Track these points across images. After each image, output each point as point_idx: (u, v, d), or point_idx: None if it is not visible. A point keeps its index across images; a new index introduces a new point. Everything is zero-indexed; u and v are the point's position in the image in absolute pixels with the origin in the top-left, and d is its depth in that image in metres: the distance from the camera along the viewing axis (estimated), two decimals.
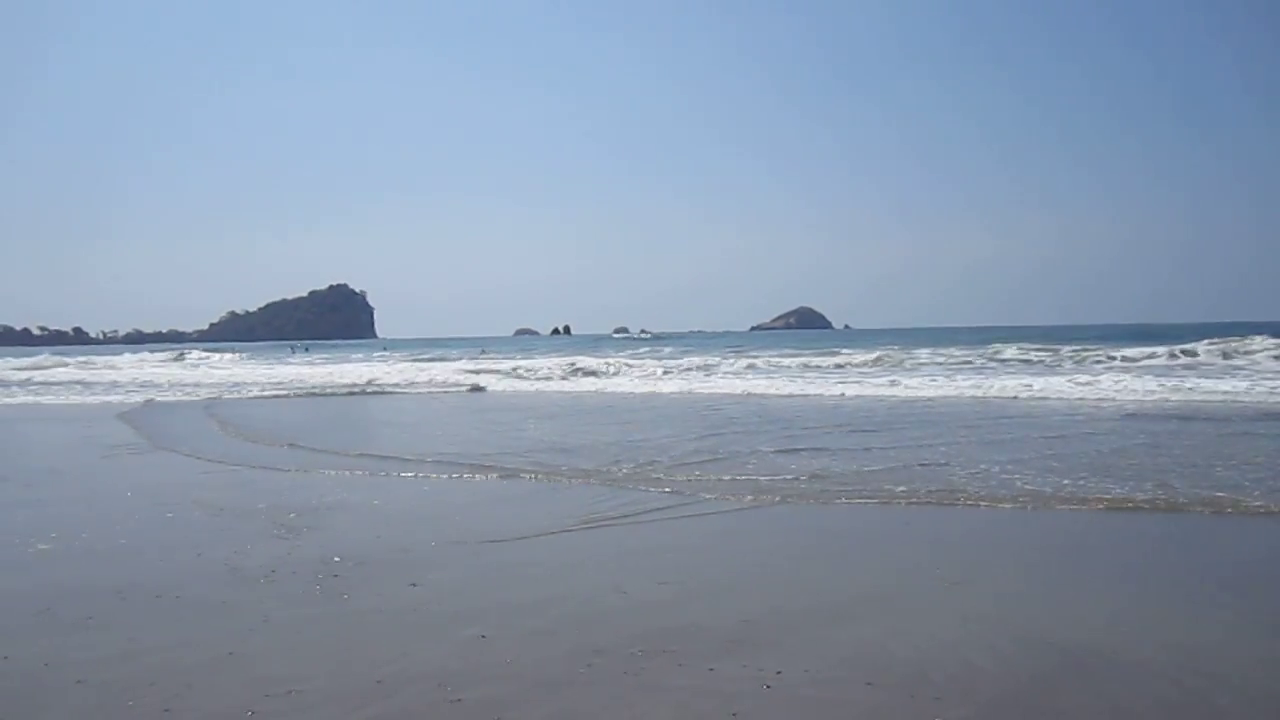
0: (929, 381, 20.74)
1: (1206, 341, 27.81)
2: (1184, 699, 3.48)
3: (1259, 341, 26.84)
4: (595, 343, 70.16)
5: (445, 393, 23.39)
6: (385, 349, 75.53)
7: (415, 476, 8.88)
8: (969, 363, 28.65)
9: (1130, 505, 6.91)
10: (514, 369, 29.17)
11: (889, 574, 5.27)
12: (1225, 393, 16.32)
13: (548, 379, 26.23)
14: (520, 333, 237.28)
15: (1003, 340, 39.41)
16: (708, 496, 7.53)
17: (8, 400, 22.59)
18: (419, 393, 23.49)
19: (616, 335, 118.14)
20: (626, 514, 6.91)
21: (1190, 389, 17.04)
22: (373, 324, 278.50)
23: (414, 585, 5.09)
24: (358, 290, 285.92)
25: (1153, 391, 16.97)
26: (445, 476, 8.87)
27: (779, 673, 3.75)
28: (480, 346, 64.61)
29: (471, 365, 33.90)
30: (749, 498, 7.40)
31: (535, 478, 8.65)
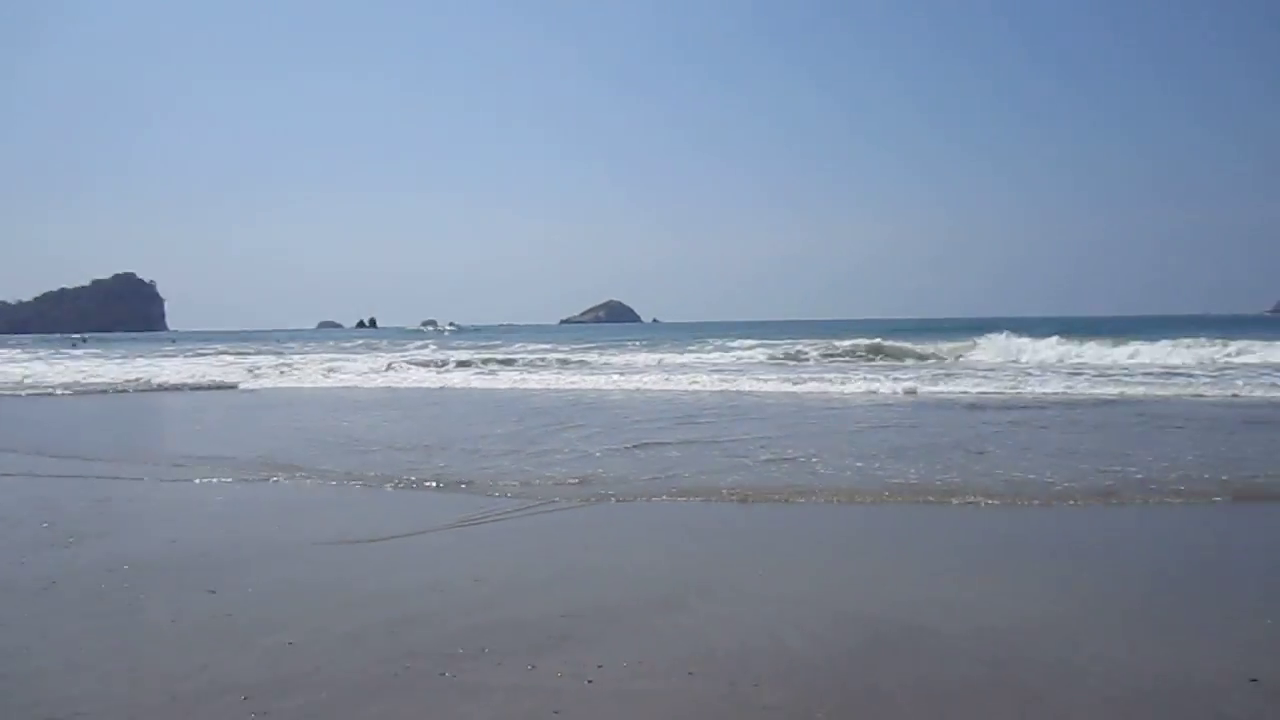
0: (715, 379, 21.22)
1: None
2: (991, 674, 3.64)
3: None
4: (402, 336, 68.45)
5: (229, 390, 22.10)
6: (174, 341, 71.35)
7: (209, 480, 8.36)
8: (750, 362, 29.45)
9: (938, 489, 7.25)
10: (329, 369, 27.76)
11: (709, 564, 5.32)
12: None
13: (368, 374, 25.23)
14: (324, 325, 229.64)
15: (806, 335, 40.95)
16: (524, 494, 7.43)
17: None
18: (201, 390, 21.93)
19: (424, 328, 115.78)
20: (440, 513, 6.74)
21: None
22: (163, 316, 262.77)
23: (213, 593, 4.78)
24: (146, 280, 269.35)
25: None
26: (242, 480, 8.40)
27: (600, 667, 3.72)
28: (276, 339, 61.43)
29: (271, 361, 32.37)
30: (563, 495, 7.35)
31: (339, 480, 8.31)
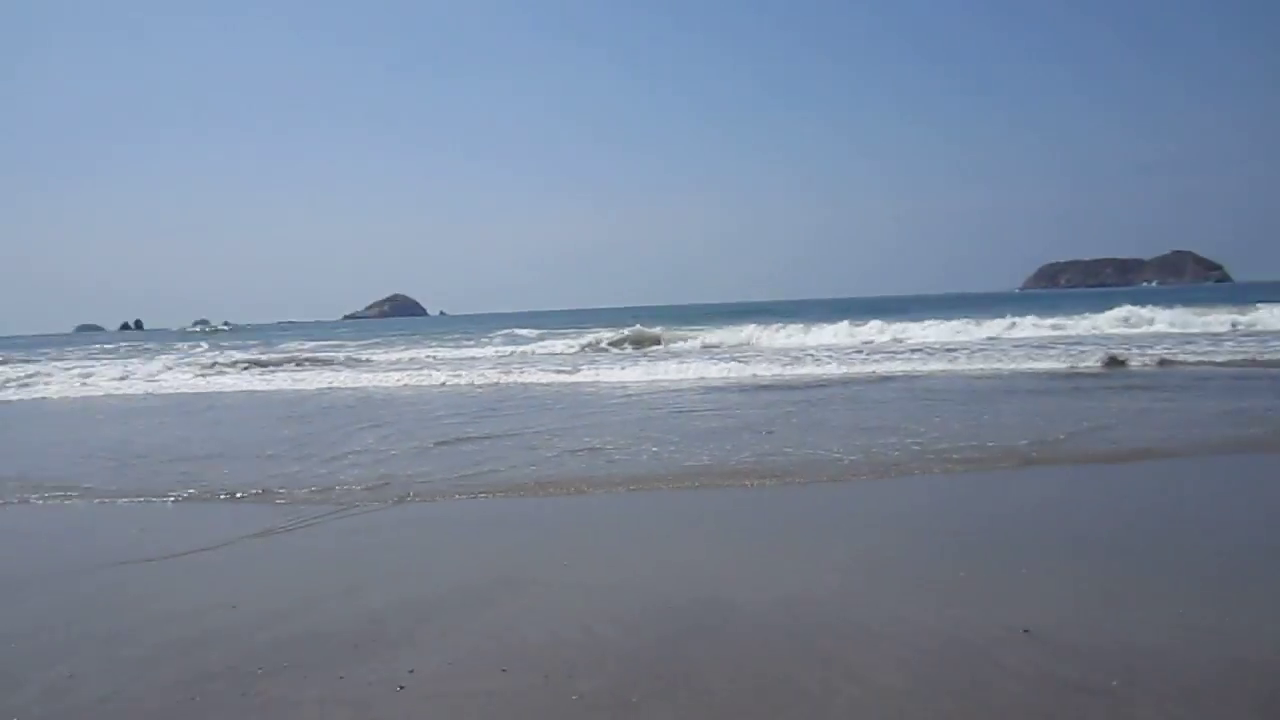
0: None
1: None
2: (796, 643, 3.80)
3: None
4: (171, 338, 64.28)
5: None
6: None
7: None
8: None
9: (733, 470, 7.48)
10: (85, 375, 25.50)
11: (516, 559, 5.28)
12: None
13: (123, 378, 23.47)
14: (83, 329, 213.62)
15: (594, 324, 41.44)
16: (319, 500, 7.18)
17: None
18: None
19: (194, 329, 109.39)
20: (229, 525, 6.43)
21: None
22: None
23: None
24: None
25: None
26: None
27: (412, 671, 3.65)
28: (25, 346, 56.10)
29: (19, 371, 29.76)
30: (361, 498, 7.16)
31: (110, 497, 7.74)
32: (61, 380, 22.59)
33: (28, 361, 31.42)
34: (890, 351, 20.87)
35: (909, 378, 15.10)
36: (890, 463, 7.52)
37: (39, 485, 8.10)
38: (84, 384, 21.75)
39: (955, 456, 7.63)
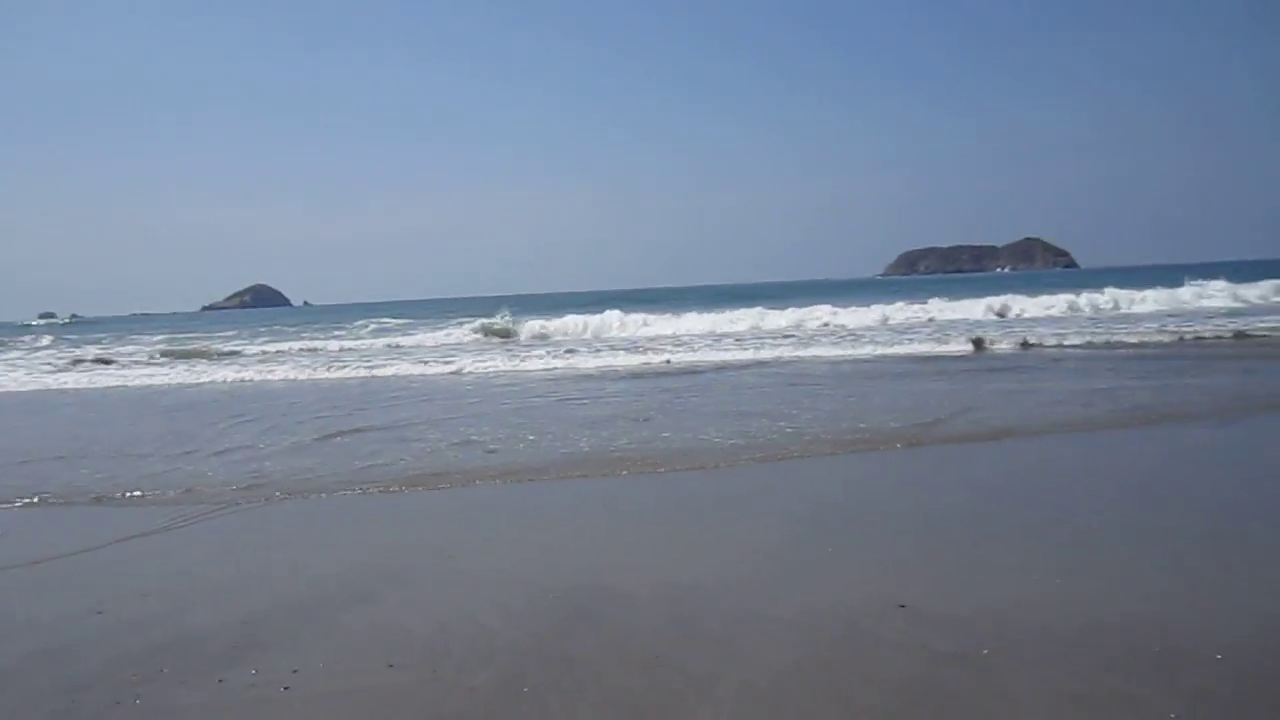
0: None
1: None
2: (684, 629, 3.87)
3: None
4: (7, 332, 60.45)
5: None
6: None
7: None
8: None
9: (614, 458, 7.54)
10: None
11: (397, 553, 5.22)
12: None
13: None
14: None
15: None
16: (188, 499, 6.95)
17: None
18: None
19: (40, 322, 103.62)
20: (94, 528, 6.19)
21: None
22: None
23: None
24: None
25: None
26: None
27: (296, 672, 3.59)
28: None
29: None
30: (232, 497, 6.96)
31: None
32: None
33: None
34: (761, 338, 21.31)
35: (780, 364, 15.45)
36: (766, 446, 7.69)
37: None
38: None
39: (828, 439, 7.87)
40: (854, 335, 20.61)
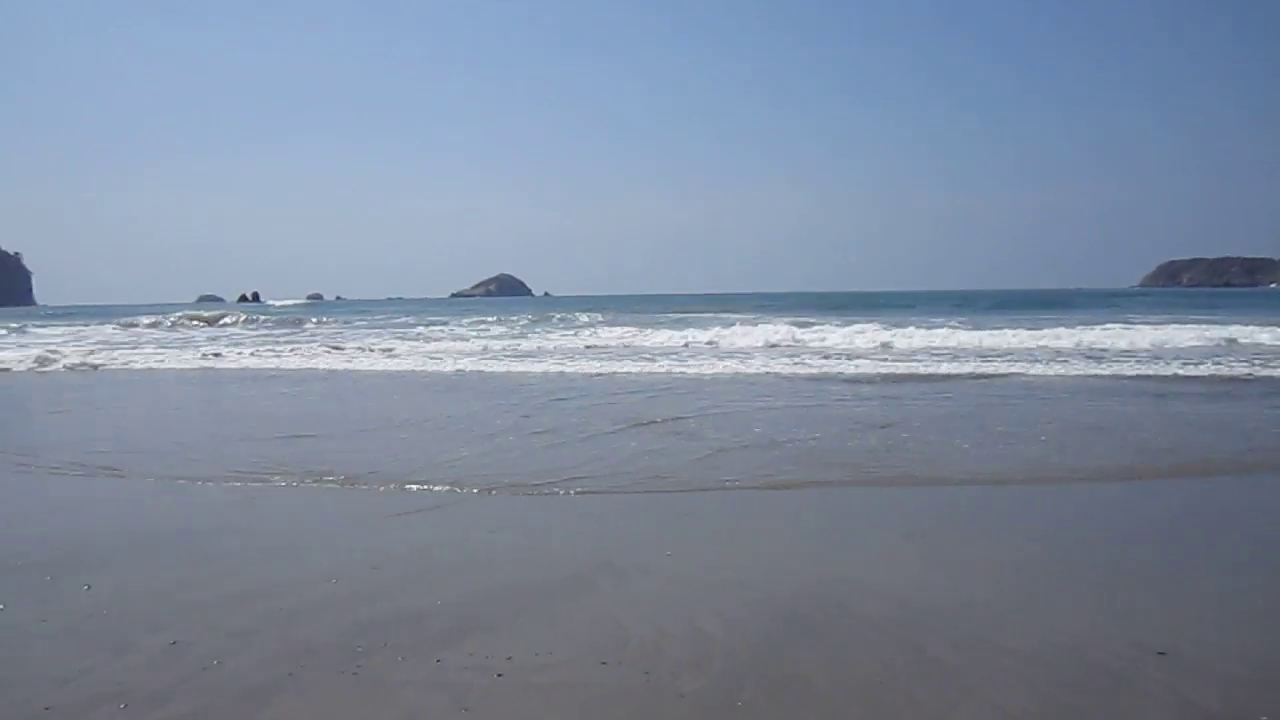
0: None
1: None
2: (910, 655, 3.58)
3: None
4: (299, 312, 65.74)
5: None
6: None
7: (77, 472, 7.87)
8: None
9: (848, 467, 7.25)
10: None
11: (619, 546, 5.15)
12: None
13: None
14: (204, 299, 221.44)
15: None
16: (427, 476, 7.19)
17: None
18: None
19: (310, 301, 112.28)
20: (332, 497, 6.48)
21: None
22: (30, 290, 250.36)
23: (88, 588, 4.45)
24: (11, 251, 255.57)
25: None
26: (115, 471, 7.93)
27: (509, 659, 3.55)
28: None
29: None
30: (467, 484, 7.13)
31: (222, 465, 7.92)
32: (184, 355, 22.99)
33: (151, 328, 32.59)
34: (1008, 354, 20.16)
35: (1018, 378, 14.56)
36: (1019, 469, 7.18)
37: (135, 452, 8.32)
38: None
39: (1082, 466, 7.27)
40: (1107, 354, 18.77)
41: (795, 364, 16.18)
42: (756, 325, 26.63)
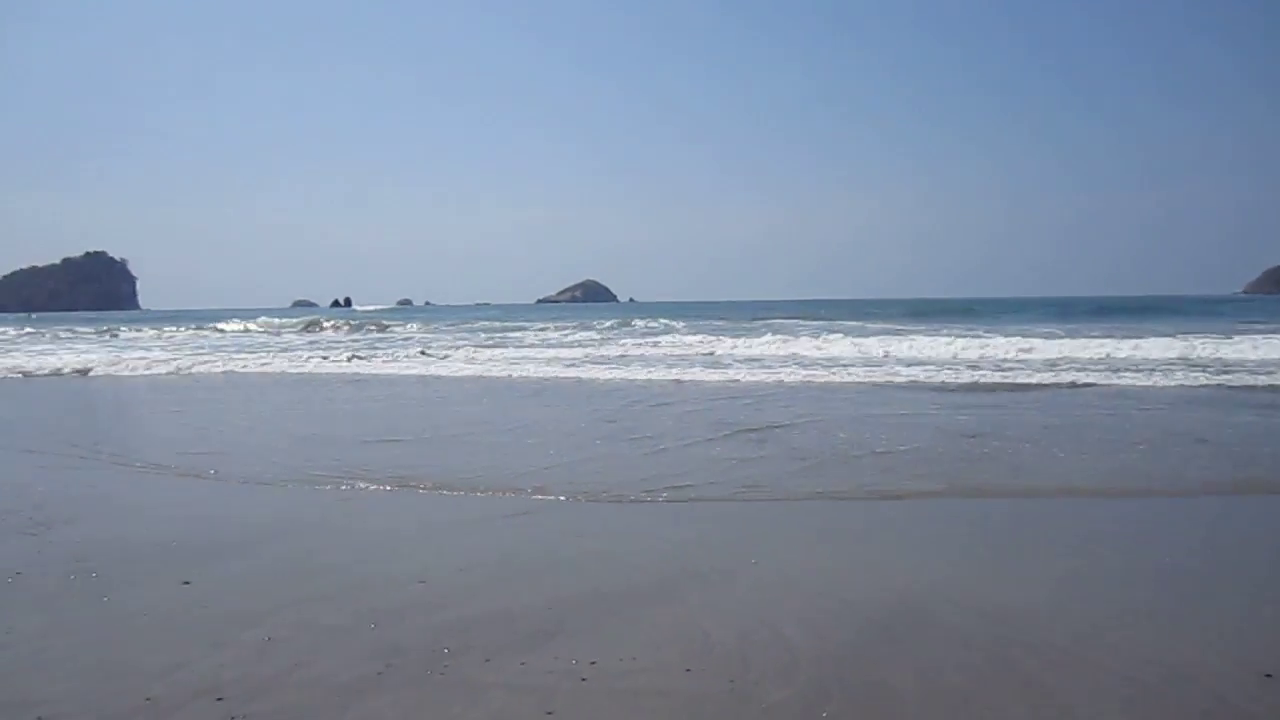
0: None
1: None
2: (997, 665, 3.51)
3: None
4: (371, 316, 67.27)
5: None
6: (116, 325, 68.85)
7: (181, 471, 8.13)
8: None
9: (927, 476, 7.13)
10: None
11: (704, 552, 5.13)
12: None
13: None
14: (297, 305, 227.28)
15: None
16: (512, 481, 7.26)
17: None
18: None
19: (399, 306, 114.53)
20: (421, 501, 6.58)
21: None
22: (135, 295, 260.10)
23: (187, 583, 4.59)
24: (118, 258, 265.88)
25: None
26: (215, 472, 8.17)
27: (594, 663, 3.56)
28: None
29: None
30: (553, 492, 7.17)
31: (315, 468, 8.11)
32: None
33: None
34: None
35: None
36: (1115, 481, 6.98)
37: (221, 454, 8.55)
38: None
39: (1182, 479, 7.03)
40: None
41: (888, 374, 15.86)
42: (845, 336, 26.15)
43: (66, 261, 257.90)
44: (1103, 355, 19.05)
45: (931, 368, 17.03)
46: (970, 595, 4.32)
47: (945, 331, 27.35)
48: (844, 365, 17.83)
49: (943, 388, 13.87)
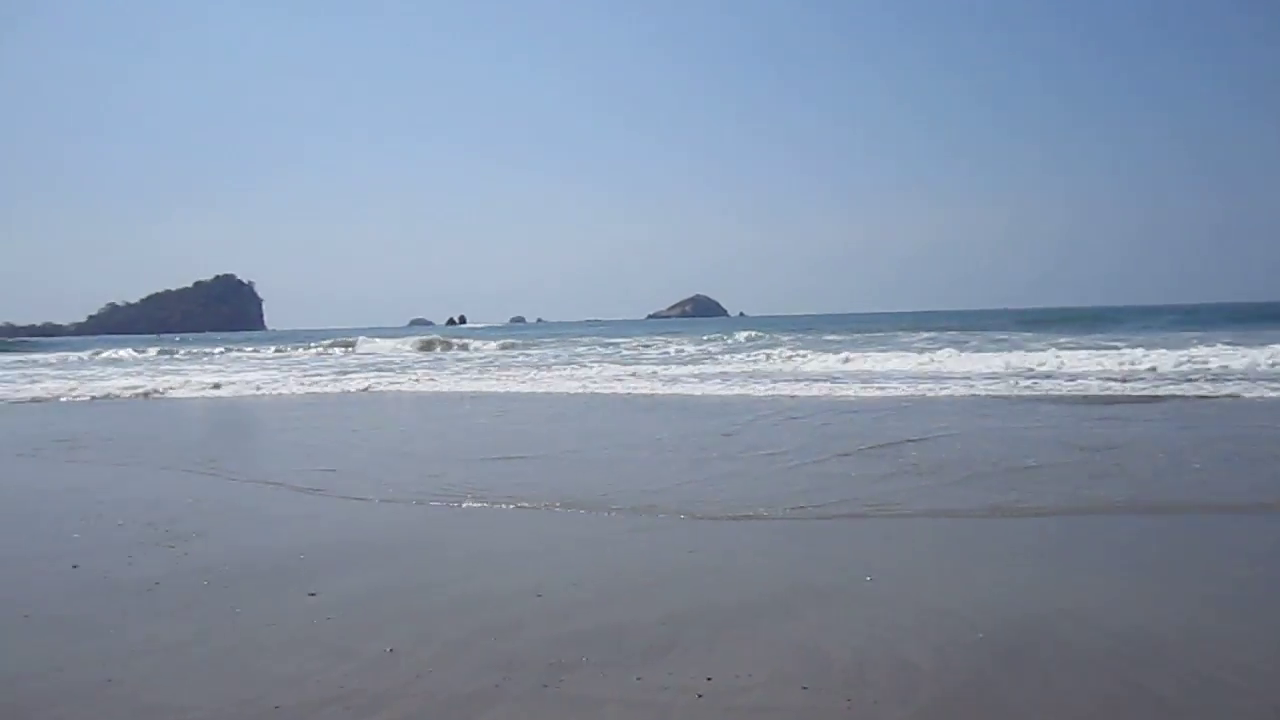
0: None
1: None
2: (1131, 691, 3.36)
3: None
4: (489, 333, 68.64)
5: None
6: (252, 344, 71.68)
7: (307, 487, 8.40)
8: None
9: (1058, 494, 6.92)
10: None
11: (821, 568, 5.06)
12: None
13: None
14: (414, 323, 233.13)
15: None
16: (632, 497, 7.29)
17: None
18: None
19: (512, 324, 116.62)
20: (537, 517, 6.66)
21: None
22: (261, 316, 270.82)
23: (313, 595, 4.74)
24: (245, 281, 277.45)
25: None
26: (331, 488, 8.42)
27: (709, 679, 3.54)
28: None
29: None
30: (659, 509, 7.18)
31: (433, 484, 8.28)
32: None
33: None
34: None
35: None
36: (1254, 496, 6.65)
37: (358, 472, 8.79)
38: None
39: None
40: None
41: (1027, 388, 15.31)
42: (973, 350, 25.43)
43: (198, 284, 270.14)
44: (1242, 364, 18.18)
45: (1063, 379, 16.52)
46: (1101, 617, 4.16)
47: (1076, 342, 26.49)
48: (966, 378, 17.44)
49: (1076, 399, 13.43)
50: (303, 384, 21.45)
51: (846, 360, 23.38)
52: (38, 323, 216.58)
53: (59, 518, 6.82)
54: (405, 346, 43.43)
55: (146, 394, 20.27)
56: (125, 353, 45.19)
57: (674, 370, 22.38)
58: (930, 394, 14.71)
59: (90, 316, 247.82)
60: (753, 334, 43.84)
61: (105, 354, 44.75)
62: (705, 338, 41.71)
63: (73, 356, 42.71)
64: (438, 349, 42.28)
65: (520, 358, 32.81)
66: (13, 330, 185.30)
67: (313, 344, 49.83)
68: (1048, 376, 17.31)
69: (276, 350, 45.11)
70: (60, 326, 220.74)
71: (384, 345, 44.80)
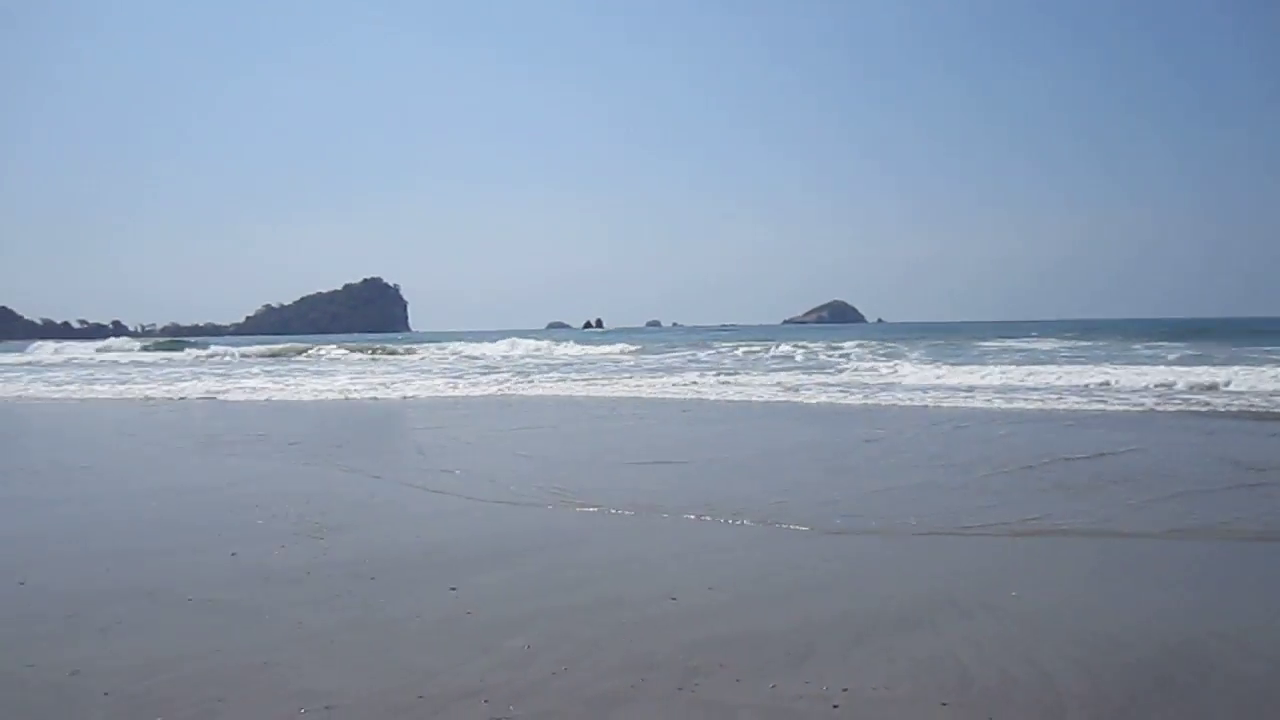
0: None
1: None
2: None
3: None
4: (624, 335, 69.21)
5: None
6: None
7: (443, 488, 8.62)
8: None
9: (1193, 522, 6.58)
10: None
11: (961, 581, 4.93)
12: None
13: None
14: (552, 326, 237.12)
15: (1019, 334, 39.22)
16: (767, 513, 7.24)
17: (55, 393, 22.36)
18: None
19: (648, 327, 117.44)
20: (677, 524, 6.68)
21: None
22: (406, 318, 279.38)
23: (454, 590, 4.87)
24: (391, 284, 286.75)
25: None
26: (468, 487, 8.61)
27: (846, 690, 3.49)
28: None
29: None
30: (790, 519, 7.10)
31: (579, 487, 8.38)
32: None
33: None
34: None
35: None
36: None
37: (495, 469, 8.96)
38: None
39: None
40: None
41: (1207, 406, 14.52)
42: (1139, 365, 24.13)
43: (347, 287, 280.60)
44: None
45: (1232, 393, 15.66)
46: (1260, 643, 3.95)
47: (1234, 355, 25.12)
48: (1116, 391, 16.74)
49: (1243, 415, 12.74)
50: (441, 385, 22.17)
51: (984, 376, 22.60)
52: (200, 323, 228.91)
53: (219, 508, 7.19)
54: (546, 346, 43.99)
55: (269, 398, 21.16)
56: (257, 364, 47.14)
57: (800, 378, 22.12)
58: (1107, 408, 14.17)
59: (248, 317, 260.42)
60: (902, 342, 42.86)
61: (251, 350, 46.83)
62: (849, 345, 40.98)
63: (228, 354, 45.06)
64: (584, 349, 42.68)
65: (665, 361, 32.85)
66: (178, 330, 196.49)
67: (461, 344, 50.70)
68: (1215, 390, 16.38)
69: (419, 351, 46.19)
70: (221, 327, 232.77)
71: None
